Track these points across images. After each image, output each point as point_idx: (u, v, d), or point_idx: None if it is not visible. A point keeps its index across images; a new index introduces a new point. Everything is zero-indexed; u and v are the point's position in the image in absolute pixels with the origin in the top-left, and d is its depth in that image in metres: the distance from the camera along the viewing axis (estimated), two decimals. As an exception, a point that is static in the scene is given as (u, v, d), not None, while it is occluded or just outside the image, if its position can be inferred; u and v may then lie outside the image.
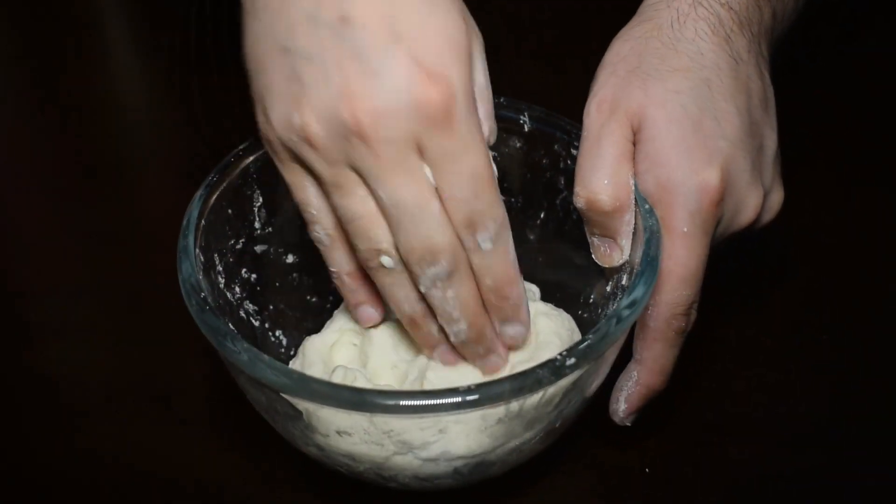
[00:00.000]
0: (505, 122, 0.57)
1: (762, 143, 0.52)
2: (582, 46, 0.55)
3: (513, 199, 0.59)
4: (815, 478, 0.55)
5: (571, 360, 0.44)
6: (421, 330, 0.49)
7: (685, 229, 0.49)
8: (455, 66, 0.42)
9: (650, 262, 0.48)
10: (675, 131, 0.50)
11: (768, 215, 0.53)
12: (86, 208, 0.74)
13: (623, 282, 0.52)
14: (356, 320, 0.52)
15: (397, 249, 0.45)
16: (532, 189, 0.58)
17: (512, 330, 0.49)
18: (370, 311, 0.51)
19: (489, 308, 0.47)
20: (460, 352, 0.49)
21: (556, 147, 0.56)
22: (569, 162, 0.56)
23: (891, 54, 0.84)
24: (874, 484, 0.55)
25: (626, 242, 0.51)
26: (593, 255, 0.53)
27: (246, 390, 0.49)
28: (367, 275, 0.48)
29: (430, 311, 0.48)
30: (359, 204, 0.44)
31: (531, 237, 0.59)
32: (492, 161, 0.44)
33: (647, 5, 0.54)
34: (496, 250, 0.45)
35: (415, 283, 0.46)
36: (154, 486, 0.55)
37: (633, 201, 0.50)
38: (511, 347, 0.50)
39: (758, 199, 0.51)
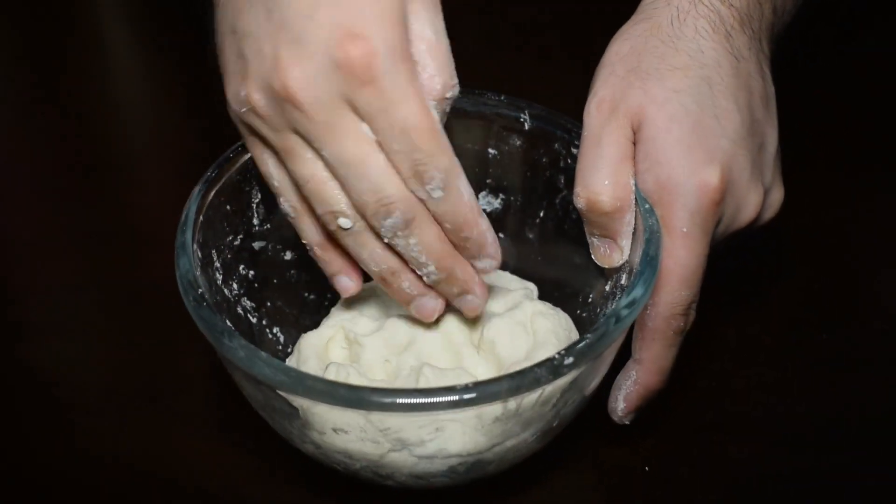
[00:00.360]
0: (505, 121, 0.57)
1: (763, 141, 0.52)
2: (582, 45, 0.55)
3: (512, 198, 0.59)
4: (814, 477, 0.55)
5: (570, 360, 0.43)
6: (392, 286, 0.49)
7: (685, 229, 0.49)
8: (377, 24, 0.42)
9: (650, 262, 0.48)
10: (675, 130, 0.49)
11: (768, 214, 0.53)
12: (84, 206, 0.74)
13: (622, 281, 0.52)
14: (336, 290, 0.51)
15: (354, 210, 0.46)
16: (532, 188, 0.58)
17: (480, 264, 0.49)
18: (345, 281, 0.51)
19: (457, 249, 0.48)
20: (437, 292, 0.49)
21: (556, 146, 0.56)
22: (569, 161, 0.55)
23: (891, 54, 0.84)
24: (874, 484, 0.54)
25: (625, 243, 0.51)
26: (593, 256, 0.53)
27: (243, 387, 0.48)
28: (337, 244, 0.49)
29: (398, 265, 0.48)
30: (307, 166, 0.45)
31: (530, 236, 0.59)
32: (431, 110, 0.44)
33: (646, 4, 0.54)
34: (447, 197, 0.45)
35: (377, 236, 0.47)
36: (151, 483, 0.55)
37: (634, 202, 0.50)
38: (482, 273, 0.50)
39: (758, 198, 0.51)
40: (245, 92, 0.44)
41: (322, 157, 0.45)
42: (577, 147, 0.54)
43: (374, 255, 0.47)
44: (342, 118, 0.43)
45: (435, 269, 0.48)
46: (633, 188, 0.50)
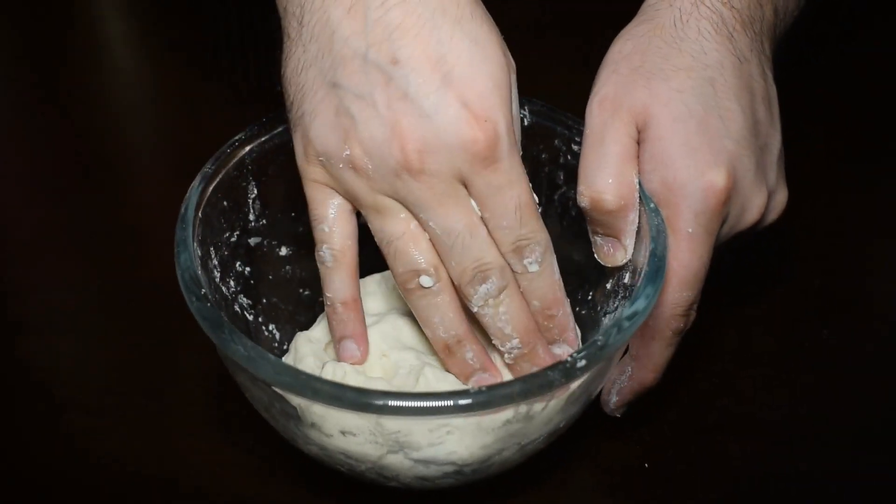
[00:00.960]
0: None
1: (766, 142, 0.52)
2: (583, 42, 0.54)
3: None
4: (815, 477, 0.55)
5: (582, 362, 0.43)
6: (455, 357, 0.49)
7: (690, 230, 0.49)
8: (500, 108, 0.45)
9: (658, 260, 0.47)
10: (681, 131, 0.49)
11: (772, 215, 0.53)
12: (83, 205, 0.73)
13: (625, 280, 0.52)
14: (338, 356, 0.51)
15: (440, 273, 0.47)
16: (532, 184, 0.57)
17: (559, 349, 0.50)
18: (353, 349, 0.51)
19: (539, 329, 0.49)
20: (514, 369, 0.50)
21: (556, 142, 0.55)
22: (569, 157, 0.55)
23: (891, 54, 0.84)
24: (875, 483, 0.55)
25: (629, 242, 0.51)
26: (596, 255, 0.52)
27: (245, 388, 0.48)
28: (359, 308, 0.50)
29: (466, 334, 0.48)
30: (400, 224, 0.46)
31: (530, 232, 0.59)
32: (532, 190, 0.47)
33: (648, 5, 0.54)
34: (542, 272, 0.48)
35: (466, 304, 0.47)
36: (151, 483, 0.54)
37: (638, 200, 0.50)
38: None
39: (762, 200, 0.51)
40: (350, 151, 0.45)
41: (426, 227, 0.46)
42: (578, 143, 0.54)
43: (447, 319, 0.48)
44: (456, 192, 0.45)
45: (519, 343, 0.49)
46: (637, 187, 0.50)
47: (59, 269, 0.68)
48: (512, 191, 0.45)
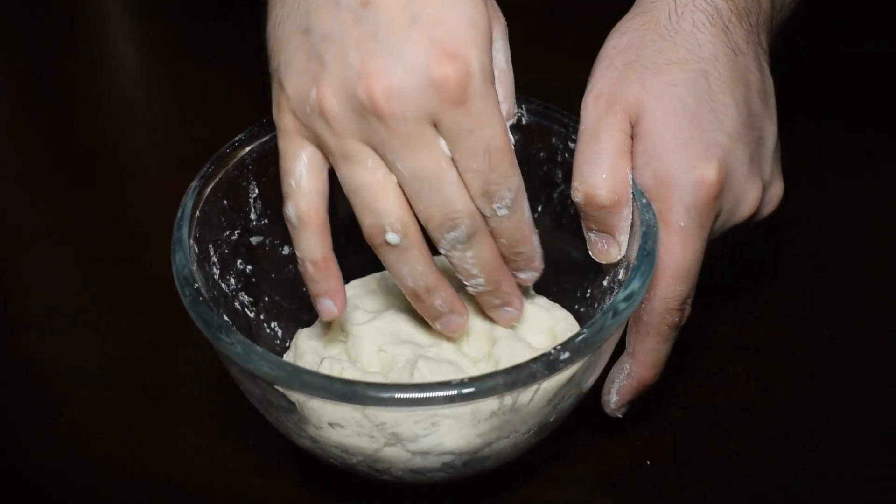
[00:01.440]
0: (502, 115, 0.56)
1: (761, 135, 0.52)
2: (579, 39, 0.54)
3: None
4: (815, 473, 0.54)
5: (566, 355, 0.43)
6: (425, 303, 0.50)
7: (682, 224, 0.49)
8: (472, 47, 0.44)
9: (647, 256, 0.47)
10: (673, 125, 0.49)
11: (768, 208, 0.53)
12: (83, 203, 0.74)
13: (620, 276, 0.52)
14: (317, 311, 0.50)
15: (408, 228, 0.46)
16: (529, 182, 0.57)
17: (524, 275, 0.51)
18: (329, 305, 0.49)
19: (505, 261, 0.50)
20: (478, 301, 0.51)
21: (553, 140, 0.56)
22: (566, 155, 0.55)
23: (890, 54, 0.83)
24: (876, 481, 0.54)
25: (623, 238, 0.51)
26: (590, 252, 0.53)
27: (240, 382, 0.48)
28: (332, 265, 0.48)
29: (435, 282, 0.48)
30: (367, 174, 0.45)
31: (528, 230, 0.59)
32: (508, 133, 0.46)
33: None
34: (511, 216, 0.47)
35: (435, 245, 0.48)
36: (148, 479, 0.55)
37: (631, 196, 0.50)
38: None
39: (757, 192, 0.51)
40: (316, 94, 0.44)
41: (393, 169, 0.45)
42: (575, 141, 0.54)
43: (415, 272, 0.48)
44: (424, 134, 0.44)
45: (484, 282, 0.49)
46: (631, 183, 0.50)
47: (59, 267, 0.69)
48: (483, 133, 0.44)
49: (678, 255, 0.49)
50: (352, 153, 0.45)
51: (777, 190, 0.53)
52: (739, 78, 0.51)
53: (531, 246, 0.50)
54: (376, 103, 0.43)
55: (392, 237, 0.46)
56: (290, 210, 0.48)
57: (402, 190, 0.46)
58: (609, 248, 0.52)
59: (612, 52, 0.52)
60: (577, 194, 0.51)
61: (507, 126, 0.46)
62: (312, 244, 0.48)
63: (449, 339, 0.53)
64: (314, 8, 0.45)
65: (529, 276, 0.51)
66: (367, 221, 0.46)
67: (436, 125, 0.44)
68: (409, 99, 0.43)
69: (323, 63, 0.44)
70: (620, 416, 0.53)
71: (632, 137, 0.51)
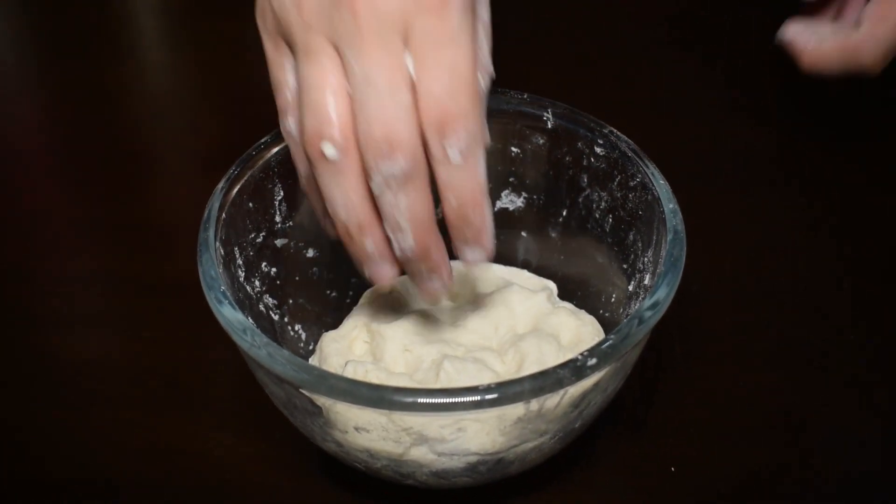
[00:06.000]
0: (528, 119, 0.57)
1: None
2: (607, 45, 0.54)
3: (535, 196, 0.59)
4: (845, 482, 0.54)
5: (593, 361, 0.43)
6: (354, 242, 0.45)
7: None
8: None
9: (674, 264, 0.47)
10: None
11: None
12: (112, 199, 0.74)
13: (645, 281, 0.52)
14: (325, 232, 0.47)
15: (348, 145, 0.42)
16: (555, 186, 0.58)
17: (471, 254, 0.46)
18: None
19: (450, 228, 0.45)
20: (404, 267, 0.46)
21: (579, 144, 0.56)
22: (592, 160, 0.55)
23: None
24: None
25: None
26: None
27: (265, 385, 0.49)
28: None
29: (370, 221, 0.45)
30: (321, 73, 0.42)
31: (553, 234, 0.59)
32: (479, 76, 0.43)
33: None
34: (465, 165, 0.43)
35: (366, 180, 0.43)
36: (173, 476, 0.55)
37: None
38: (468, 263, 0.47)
39: None
40: None
41: (348, 68, 0.42)
42: (600, 146, 0.54)
43: (349, 201, 0.44)
44: (390, 39, 0.41)
45: (412, 242, 0.44)
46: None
47: (86, 265, 0.69)
48: (452, 50, 0.41)
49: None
50: (313, 48, 0.42)
51: None
52: None
53: (482, 214, 0.44)
54: None
55: (329, 149, 0.42)
56: (290, 123, 0.46)
57: (353, 103, 0.42)
58: None
59: None
60: None
61: (480, 78, 0.43)
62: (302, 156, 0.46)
63: (470, 335, 0.53)
64: None
65: (477, 255, 0.46)
66: (308, 124, 0.43)
67: (406, 38, 0.41)
68: None
69: None
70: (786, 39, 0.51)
71: None
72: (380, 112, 0.41)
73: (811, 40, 0.49)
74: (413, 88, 0.42)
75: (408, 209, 0.43)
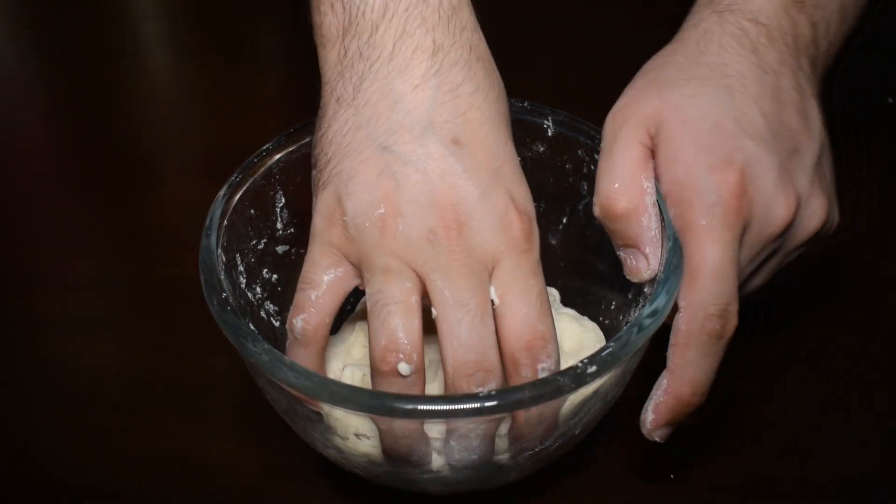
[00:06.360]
0: (528, 127, 0.57)
1: (796, 148, 0.50)
2: (608, 51, 0.54)
3: (535, 204, 0.59)
4: (845, 485, 0.54)
5: (593, 368, 0.43)
6: (397, 443, 0.47)
7: (704, 222, 0.47)
8: (533, 212, 0.47)
9: (673, 271, 0.47)
10: (693, 130, 0.48)
11: (812, 223, 0.50)
12: (115, 204, 0.75)
13: (645, 289, 0.52)
14: None
15: (418, 360, 0.45)
16: (555, 194, 0.58)
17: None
18: None
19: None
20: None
21: (579, 152, 0.56)
22: (592, 167, 0.55)
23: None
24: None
25: (650, 250, 0.49)
26: (626, 274, 0.51)
27: (266, 391, 0.49)
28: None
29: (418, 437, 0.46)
30: (403, 291, 0.45)
31: (553, 242, 0.59)
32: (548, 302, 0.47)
33: (679, 32, 0.54)
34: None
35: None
36: (174, 480, 0.55)
37: (653, 205, 0.49)
38: None
39: (788, 201, 0.49)
40: (385, 212, 0.44)
41: (437, 296, 0.44)
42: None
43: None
44: (480, 274, 0.45)
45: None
46: (653, 192, 0.49)
47: (89, 269, 0.69)
48: (535, 280, 0.46)
49: (707, 253, 0.47)
50: (394, 268, 0.45)
51: (817, 205, 0.50)
52: (769, 94, 0.50)
53: (554, 425, 0.47)
54: (451, 233, 0.44)
55: (404, 367, 0.44)
56: (299, 323, 0.47)
57: (439, 328, 0.44)
58: (637, 262, 0.50)
59: (637, 76, 0.52)
60: (596, 208, 0.51)
61: None
62: (306, 362, 0.48)
63: None
64: (397, 128, 0.45)
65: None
66: (382, 342, 0.44)
67: (492, 270, 0.45)
68: (482, 239, 0.45)
69: (399, 184, 0.45)
70: (658, 439, 0.49)
71: (652, 148, 0.50)
72: (472, 335, 0.44)
73: (645, 418, 0.49)
74: (494, 315, 0.45)
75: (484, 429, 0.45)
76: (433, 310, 0.45)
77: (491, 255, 0.45)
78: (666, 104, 0.49)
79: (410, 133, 0.45)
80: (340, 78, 0.47)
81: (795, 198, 0.49)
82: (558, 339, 0.50)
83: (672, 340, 0.48)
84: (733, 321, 0.47)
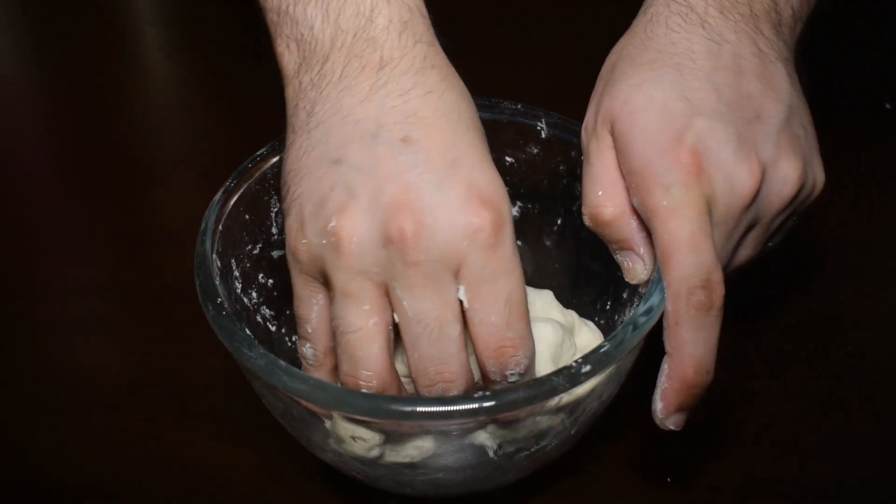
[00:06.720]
0: (522, 129, 0.57)
1: (758, 114, 0.49)
2: (601, 53, 0.54)
3: (529, 206, 0.59)
4: (845, 486, 0.54)
5: (587, 368, 0.43)
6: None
7: (665, 203, 0.46)
8: (504, 200, 0.44)
9: (666, 269, 0.47)
10: (641, 118, 0.48)
11: (787, 188, 0.49)
12: (113, 207, 0.75)
13: (640, 289, 0.52)
14: None
15: (384, 381, 0.45)
16: (549, 195, 0.58)
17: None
18: None
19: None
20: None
21: (573, 154, 0.56)
22: (586, 168, 0.56)
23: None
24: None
25: (644, 251, 0.49)
26: (624, 276, 0.51)
27: (262, 396, 0.49)
28: None
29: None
30: (360, 317, 0.44)
31: (548, 243, 0.59)
32: (525, 293, 0.45)
33: (632, 24, 0.53)
34: (521, 381, 0.45)
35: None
36: (172, 483, 0.55)
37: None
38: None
39: (752, 168, 0.47)
40: (336, 224, 0.43)
41: (399, 308, 0.44)
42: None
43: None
44: (442, 278, 0.43)
45: None
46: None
47: (86, 272, 0.70)
48: (506, 281, 0.44)
49: (674, 229, 0.46)
50: (353, 292, 0.44)
51: (787, 168, 0.48)
52: (725, 65, 0.49)
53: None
54: (405, 236, 0.43)
55: (370, 390, 0.45)
56: (308, 350, 0.48)
57: (402, 337, 0.44)
58: (634, 264, 0.50)
59: (598, 80, 0.52)
60: (585, 219, 0.51)
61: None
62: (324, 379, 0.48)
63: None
64: (347, 140, 0.45)
65: None
66: (344, 367, 0.45)
67: (457, 272, 0.44)
68: (441, 238, 0.43)
69: (352, 194, 0.44)
70: (673, 427, 0.47)
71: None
72: (431, 349, 0.44)
73: (655, 408, 0.47)
74: (463, 317, 0.44)
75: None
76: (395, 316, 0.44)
77: (454, 253, 0.43)
78: (615, 100, 0.49)
79: (360, 142, 0.44)
80: (295, 110, 0.47)
81: (759, 165, 0.48)
82: (558, 338, 0.51)
83: (664, 324, 0.47)
84: (719, 290, 0.45)
